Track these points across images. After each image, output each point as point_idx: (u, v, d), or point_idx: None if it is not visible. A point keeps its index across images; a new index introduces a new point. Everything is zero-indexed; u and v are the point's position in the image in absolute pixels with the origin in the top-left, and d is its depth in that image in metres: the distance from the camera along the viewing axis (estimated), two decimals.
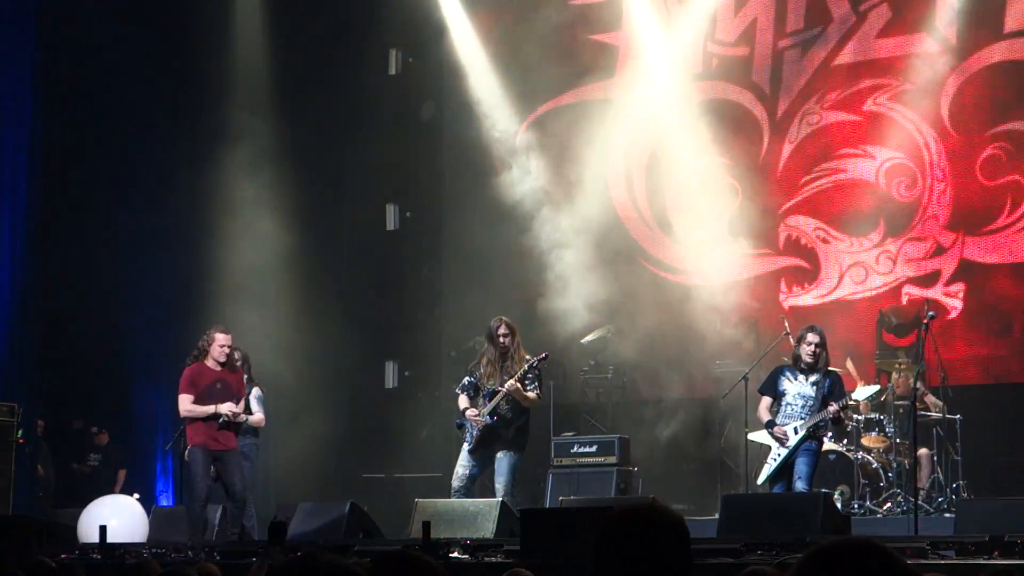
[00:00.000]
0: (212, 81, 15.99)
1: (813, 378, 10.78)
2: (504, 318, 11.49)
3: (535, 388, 11.27)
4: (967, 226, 13.56)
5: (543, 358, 11.40)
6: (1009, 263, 13.36)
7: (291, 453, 15.17)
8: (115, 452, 15.66)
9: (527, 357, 11.30)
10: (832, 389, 10.81)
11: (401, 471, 15.09)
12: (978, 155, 13.50)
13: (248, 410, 12.07)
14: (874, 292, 13.92)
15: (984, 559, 7.55)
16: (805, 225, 14.28)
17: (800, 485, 10.54)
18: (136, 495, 13.34)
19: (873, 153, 14.01)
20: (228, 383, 11.50)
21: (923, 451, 12.17)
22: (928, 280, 13.66)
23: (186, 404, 11.43)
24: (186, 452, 11.56)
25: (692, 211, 14.80)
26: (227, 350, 11.48)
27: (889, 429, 12.39)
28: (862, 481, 12.19)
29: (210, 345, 11.44)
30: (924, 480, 12.18)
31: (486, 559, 8.85)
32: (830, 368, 11.10)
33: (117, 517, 12.07)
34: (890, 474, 12.25)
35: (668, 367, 13.97)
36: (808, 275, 14.25)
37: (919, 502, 11.16)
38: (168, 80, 15.74)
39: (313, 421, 15.16)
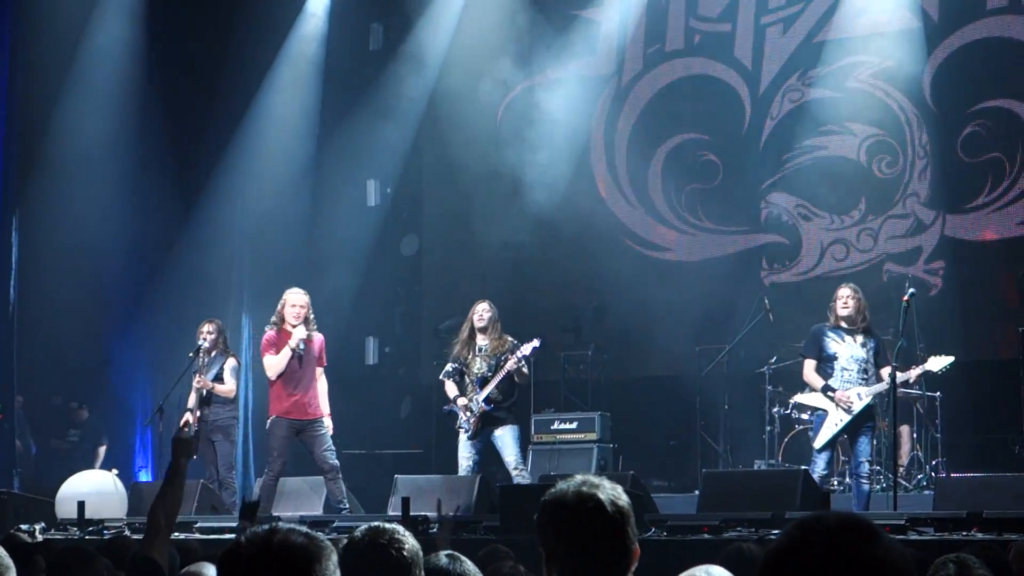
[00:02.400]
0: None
1: (860, 339, 10.42)
2: (486, 301, 11.59)
3: (526, 365, 11.45)
4: (948, 203, 13.55)
5: (536, 347, 11.38)
6: (989, 240, 13.35)
7: None
8: (94, 428, 15.58)
9: (511, 339, 11.38)
10: (878, 350, 10.48)
11: (381, 447, 15.06)
12: (959, 132, 13.47)
13: (220, 379, 12.00)
14: (855, 269, 13.90)
15: (963, 535, 7.56)
16: (786, 202, 14.25)
17: (865, 468, 10.32)
18: (115, 471, 13.28)
19: (855, 130, 13.98)
20: (308, 345, 11.03)
21: (903, 428, 12.18)
22: (909, 257, 13.65)
23: (269, 363, 11.00)
24: (268, 421, 11.20)
25: (673, 188, 14.77)
26: (297, 310, 10.94)
27: None
28: (842, 458, 12.19)
29: (283, 309, 11.00)
30: (904, 457, 12.19)
31: (465, 535, 8.83)
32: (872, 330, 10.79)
33: (96, 493, 12.00)
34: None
35: (648, 344, 13.95)
36: (789, 252, 14.23)
37: (898, 479, 11.16)
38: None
39: None
